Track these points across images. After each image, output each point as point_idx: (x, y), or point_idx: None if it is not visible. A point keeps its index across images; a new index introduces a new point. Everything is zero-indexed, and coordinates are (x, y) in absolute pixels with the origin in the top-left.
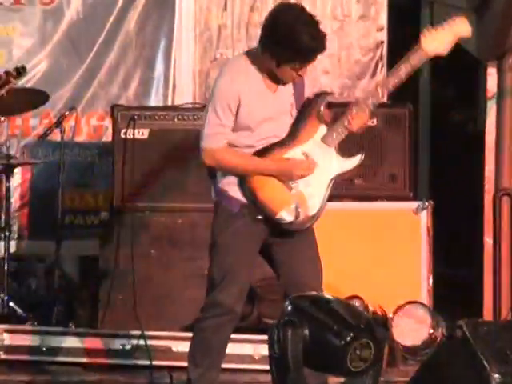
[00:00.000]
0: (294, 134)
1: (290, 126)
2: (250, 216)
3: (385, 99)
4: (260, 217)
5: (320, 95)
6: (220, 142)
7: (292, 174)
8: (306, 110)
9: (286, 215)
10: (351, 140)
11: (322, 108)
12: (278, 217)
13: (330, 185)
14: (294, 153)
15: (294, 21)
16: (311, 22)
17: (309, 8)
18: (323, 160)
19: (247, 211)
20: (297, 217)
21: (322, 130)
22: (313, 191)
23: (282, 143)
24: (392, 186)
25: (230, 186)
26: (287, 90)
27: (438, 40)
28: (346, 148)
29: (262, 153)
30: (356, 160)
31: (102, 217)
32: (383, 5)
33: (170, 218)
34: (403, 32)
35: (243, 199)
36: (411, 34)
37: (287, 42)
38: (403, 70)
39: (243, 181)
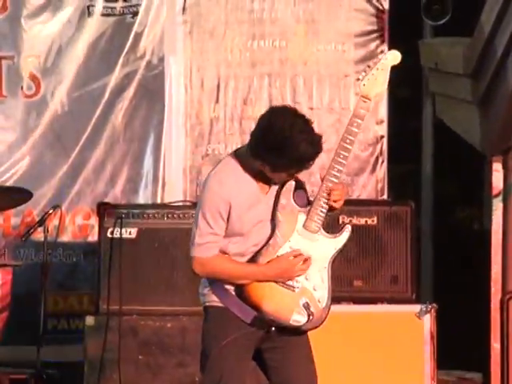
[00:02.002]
0: (277, 230)
1: (270, 223)
2: (262, 328)
3: (385, 196)
4: (273, 328)
5: (286, 182)
6: (212, 251)
7: (290, 275)
8: (278, 203)
9: (299, 317)
10: (350, 239)
11: (292, 195)
12: (291, 323)
13: (330, 268)
14: (283, 251)
15: (289, 129)
16: (306, 128)
17: (305, 101)
18: (314, 248)
19: (259, 323)
20: (310, 315)
21: (302, 217)
22: (316, 282)
23: (269, 244)
24: (393, 288)
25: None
26: (276, 187)
27: (377, 82)
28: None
29: (252, 259)
30: (347, 233)
31: (87, 321)
32: (383, 97)
33: (159, 321)
34: (404, 125)
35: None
36: (413, 128)
37: (284, 152)
38: (356, 124)
39: (241, 295)
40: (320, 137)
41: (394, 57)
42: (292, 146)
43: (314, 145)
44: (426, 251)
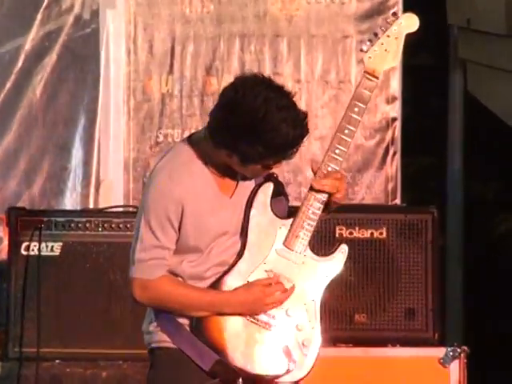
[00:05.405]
0: (248, 248)
1: (239, 238)
2: (225, 380)
3: (398, 201)
4: (241, 380)
5: (262, 184)
6: (158, 271)
7: (262, 306)
8: (250, 212)
9: (276, 366)
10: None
11: (269, 202)
12: (265, 373)
13: (319, 301)
14: (256, 277)
15: (263, 106)
16: (286, 103)
17: (289, 71)
18: (299, 273)
19: (222, 372)
20: (290, 363)
21: (282, 232)
22: (300, 320)
23: (237, 266)
24: (408, 325)
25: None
26: (248, 186)
27: (388, 55)
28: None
29: (214, 284)
30: (341, 255)
31: None
32: (395, 67)
33: (90, 369)
34: (424, 104)
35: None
36: (436, 108)
37: (257, 138)
38: (358, 109)
39: (198, 332)
40: (305, 115)
41: (410, 21)
42: (268, 128)
43: (296, 125)
44: (452, 275)
